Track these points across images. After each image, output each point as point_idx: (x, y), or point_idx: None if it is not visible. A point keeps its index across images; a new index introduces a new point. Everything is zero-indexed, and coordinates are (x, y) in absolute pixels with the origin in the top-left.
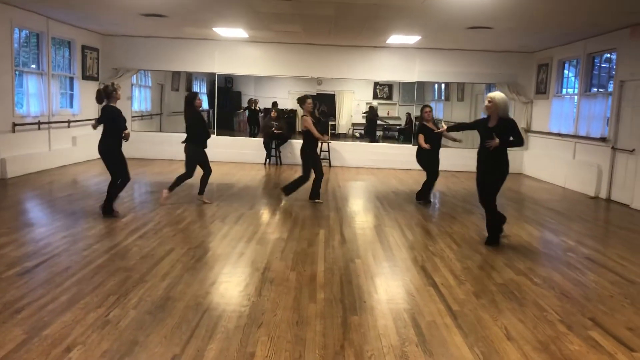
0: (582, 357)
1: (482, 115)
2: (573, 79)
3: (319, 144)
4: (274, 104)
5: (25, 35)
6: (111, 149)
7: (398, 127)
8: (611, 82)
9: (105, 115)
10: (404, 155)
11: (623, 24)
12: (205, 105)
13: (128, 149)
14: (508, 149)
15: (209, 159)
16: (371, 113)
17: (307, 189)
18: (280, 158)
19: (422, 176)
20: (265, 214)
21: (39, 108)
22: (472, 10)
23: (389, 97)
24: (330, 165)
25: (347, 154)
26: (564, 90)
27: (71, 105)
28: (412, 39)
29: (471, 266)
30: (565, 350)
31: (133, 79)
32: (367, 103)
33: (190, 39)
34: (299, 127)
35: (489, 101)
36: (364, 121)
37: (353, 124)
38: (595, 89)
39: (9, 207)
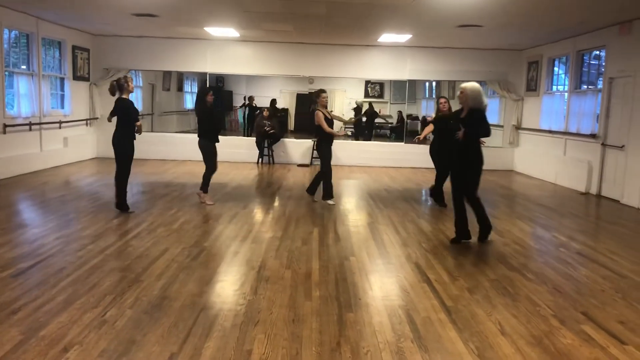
0: (574, 350)
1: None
2: (563, 76)
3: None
4: (273, 101)
5: (14, 36)
6: (123, 141)
7: (390, 125)
8: (600, 79)
9: (117, 107)
10: (395, 153)
11: (612, 21)
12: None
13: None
14: (482, 140)
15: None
16: (370, 110)
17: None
18: (273, 157)
19: (414, 174)
20: (259, 213)
21: (30, 109)
22: (462, 9)
23: (381, 96)
24: None
25: (340, 153)
26: (554, 88)
27: (62, 106)
28: (403, 38)
29: (464, 262)
30: (559, 344)
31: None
32: (355, 101)
33: (182, 39)
34: (290, 126)
35: (461, 92)
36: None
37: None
38: (585, 86)
39: (2, 209)
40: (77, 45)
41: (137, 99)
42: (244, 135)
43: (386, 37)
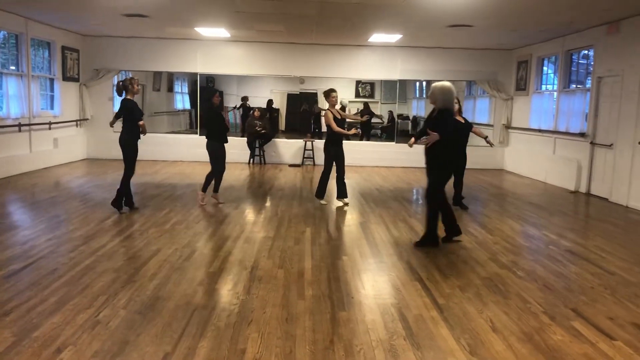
0: (565, 346)
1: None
2: (552, 75)
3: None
4: (270, 101)
5: (3, 36)
6: (130, 142)
7: (381, 125)
8: (589, 78)
9: (122, 107)
10: (386, 152)
11: (600, 21)
12: (187, 105)
13: (111, 150)
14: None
15: (196, 159)
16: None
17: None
18: (264, 157)
19: (406, 174)
20: (251, 213)
21: (19, 110)
22: (453, 9)
23: (371, 96)
24: (314, 164)
25: None
26: (543, 87)
27: (52, 107)
28: (394, 38)
29: (456, 261)
30: (549, 341)
31: (114, 79)
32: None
33: (172, 39)
34: (281, 126)
35: (431, 92)
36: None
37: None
38: (574, 85)
39: None
40: (67, 46)
41: None
42: (241, 136)
43: (377, 37)
